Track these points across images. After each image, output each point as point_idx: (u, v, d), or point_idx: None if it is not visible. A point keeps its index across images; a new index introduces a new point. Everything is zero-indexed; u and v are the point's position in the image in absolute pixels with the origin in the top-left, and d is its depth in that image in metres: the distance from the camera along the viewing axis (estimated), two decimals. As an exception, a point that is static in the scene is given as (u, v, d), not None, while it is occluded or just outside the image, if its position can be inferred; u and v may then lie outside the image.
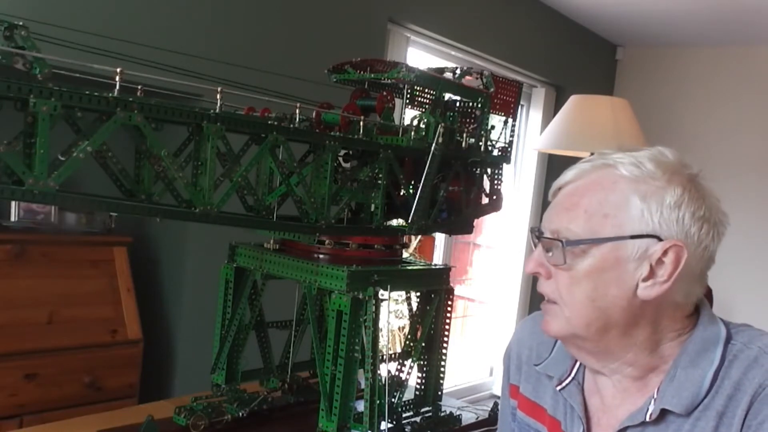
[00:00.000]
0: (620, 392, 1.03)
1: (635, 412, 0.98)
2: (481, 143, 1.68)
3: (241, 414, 1.62)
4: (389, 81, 1.58)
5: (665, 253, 0.92)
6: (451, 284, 1.68)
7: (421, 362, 1.68)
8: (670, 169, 0.96)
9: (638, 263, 0.93)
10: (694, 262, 0.95)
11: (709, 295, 1.24)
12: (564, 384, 1.09)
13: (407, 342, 1.69)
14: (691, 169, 0.98)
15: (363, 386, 1.47)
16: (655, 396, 0.97)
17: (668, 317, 0.98)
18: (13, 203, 2.17)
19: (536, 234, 1.02)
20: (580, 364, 1.09)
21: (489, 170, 1.75)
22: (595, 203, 0.96)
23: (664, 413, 0.96)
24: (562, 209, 0.99)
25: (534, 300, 4.31)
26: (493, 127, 1.73)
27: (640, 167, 0.96)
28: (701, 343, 0.98)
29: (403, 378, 1.65)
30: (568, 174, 1.02)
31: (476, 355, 4.42)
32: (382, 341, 1.50)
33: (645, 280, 0.94)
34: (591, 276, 0.95)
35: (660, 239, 0.93)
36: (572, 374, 1.09)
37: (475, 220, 1.77)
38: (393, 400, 1.59)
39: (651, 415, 0.96)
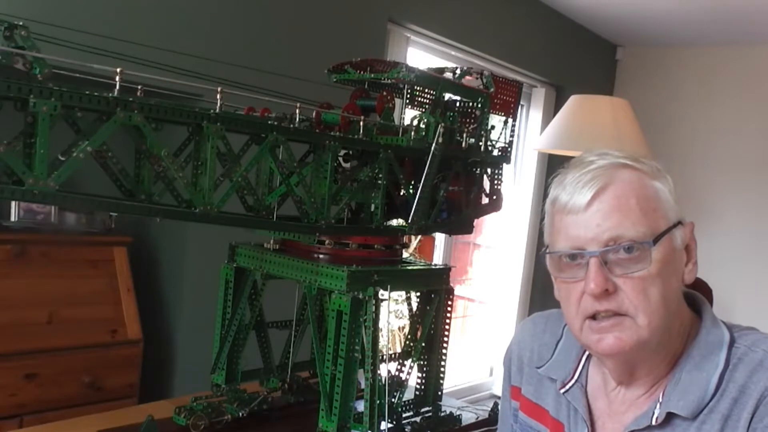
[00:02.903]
0: (630, 399, 1.02)
1: (641, 416, 0.98)
2: (481, 143, 1.68)
3: (241, 414, 1.62)
4: (389, 81, 1.58)
5: (690, 234, 0.99)
6: (451, 284, 1.68)
7: (421, 362, 1.68)
8: (653, 161, 1.01)
9: (682, 249, 0.98)
10: None
11: (709, 294, 1.24)
12: (567, 387, 1.08)
13: (407, 342, 1.69)
14: None
15: (363, 386, 1.47)
16: (661, 400, 0.97)
17: (683, 305, 1.02)
18: (13, 203, 2.17)
19: (584, 254, 0.95)
20: (583, 367, 1.09)
21: (489, 170, 1.75)
22: (642, 201, 0.95)
23: (669, 417, 0.95)
24: (613, 215, 0.94)
25: (534, 300, 4.31)
26: (493, 127, 1.73)
27: (643, 162, 0.99)
28: (705, 346, 0.98)
29: (403, 378, 1.65)
30: (591, 185, 0.95)
31: (476, 355, 4.41)
32: (382, 341, 1.50)
33: (686, 264, 0.99)
34: (661, 273, 0.94)
35: (682, 223, 0.99)
36: (575, 377, 1.09)
37: (475, 220, 1.77)
38: (393, 400, 1.59)
39: (657, 418, 0.96)
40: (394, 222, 1.65)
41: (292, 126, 1.38)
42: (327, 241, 1.53)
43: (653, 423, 0.96)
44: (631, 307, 0.93)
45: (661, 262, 0.94)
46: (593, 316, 0.96)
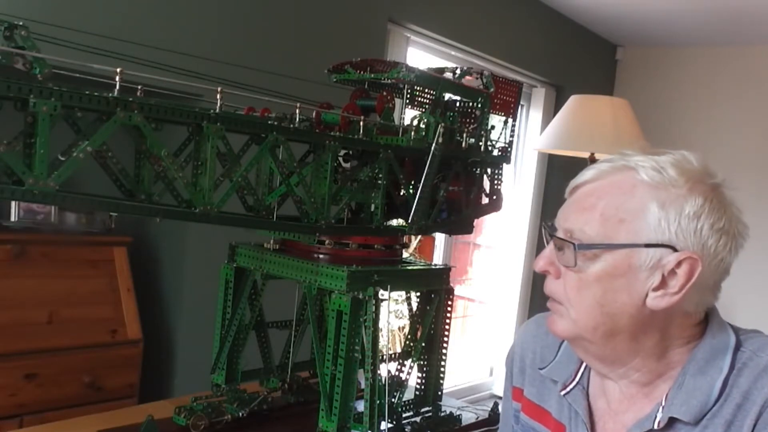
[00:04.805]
0: (627, 398, 1.02)
1: (642, 419, 0.97)
2: (481, 143, 1.68)
3: (241, 414, 1.62)
4: (389, 81, 1.58)
5: (679, 264, 0.91)
6: (451, 284, 1.68)
7: (421, 362, 1.68)
8: (692, 177, 0.93)
9: (650, 272, 0.92)
10: (709, 274, 0.93)
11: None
12: (568, 389, 1.08)
13: (407, 342, 1.69)
14: (715, 177, 0.96)
15: (363, 386, 1.47)
16: (663, 403, 0.96)
17: (677, 326, 0.97)
18: (13, 203, 2.17)
19: (549, 230, 0.99)
20: (585, 368, 1.09)
21: (489, 170, 1.75)
22: (611, 207, 0.93)
23: (671, 421, 0.95)
24: (578, 209, 0.97)
25: (534, 300, 4.31)
26: (493, 127, 1.73)
27: (662, 173, 0.93)
28: (710, 350, 0.96)
29: (403, 378, 1.65)
30: (587, 173, 0.99)
31: (476, 355, 4.41)
32: (382, 341, 1.50)
33: (656, 289, 0.92)
34: (601, 281, 0.93)
35: (675, 250, 0.91)
36: (577, 379, 1.08)
37: (475, 220, 1.77)
38: (393, 400, 1.59)
39: (659, 422, 0.95)
40: (394, 222, 1.65)
41: (292, 126, 1.38)
42: (327, 241, 1.53)
43: (655, 427, 0.95)
44: (564, 298, 0.98)
45: (602, 272, 0.93)
46: None
